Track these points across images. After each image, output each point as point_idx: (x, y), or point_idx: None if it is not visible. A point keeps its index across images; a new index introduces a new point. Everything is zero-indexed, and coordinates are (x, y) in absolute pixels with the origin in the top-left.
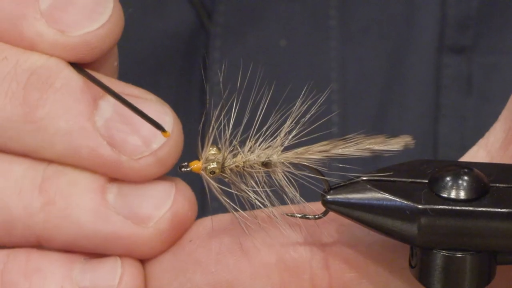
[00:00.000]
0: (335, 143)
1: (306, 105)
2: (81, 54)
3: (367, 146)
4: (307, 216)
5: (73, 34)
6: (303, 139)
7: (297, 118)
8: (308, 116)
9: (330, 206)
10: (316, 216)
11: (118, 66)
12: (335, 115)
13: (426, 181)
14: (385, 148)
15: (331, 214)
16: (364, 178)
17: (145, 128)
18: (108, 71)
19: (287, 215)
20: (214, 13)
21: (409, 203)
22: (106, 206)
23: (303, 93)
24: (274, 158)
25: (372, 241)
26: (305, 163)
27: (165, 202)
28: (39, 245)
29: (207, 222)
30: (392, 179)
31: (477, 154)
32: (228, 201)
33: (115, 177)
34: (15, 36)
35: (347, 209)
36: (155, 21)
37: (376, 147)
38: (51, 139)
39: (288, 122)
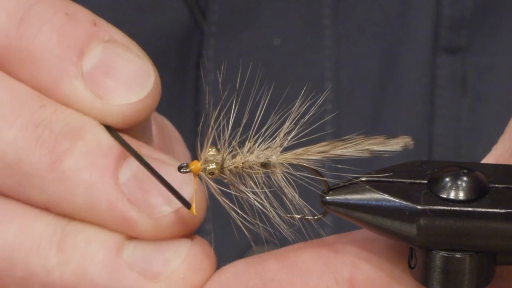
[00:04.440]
0: (334, 143)
1: (304, 106)
2: (114, 122)
3: (366, 147)
4: (306, 217)
5: (110, 102)
6: (302, 140)
7: (296, 119)
8: (306, 116)
9: (329, 206)
10: (316, 217)
11: (151, 130)
12: (329, 113)
13: (425, 181)
14: (384, 148)
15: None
16: (363, 179)
17: (164, 193)
18: (140, 136)
19: (286, 216)
20: (208, 11)
21: (408, 203)
22: (120, 263)
23: (302, 94)
24: (273, 159)
25: (395, 261)
26: (304, 164)
27: (178, 257)
28: None
29: (230, 268)
30: (391, 179)
31: None
32: (227, 202)
33: (132, 235)
34: (53, 91)
35: (346, 210)
36: (149, 20)
37: (375, 148)
38: (73, 190)
39: (287, 123)
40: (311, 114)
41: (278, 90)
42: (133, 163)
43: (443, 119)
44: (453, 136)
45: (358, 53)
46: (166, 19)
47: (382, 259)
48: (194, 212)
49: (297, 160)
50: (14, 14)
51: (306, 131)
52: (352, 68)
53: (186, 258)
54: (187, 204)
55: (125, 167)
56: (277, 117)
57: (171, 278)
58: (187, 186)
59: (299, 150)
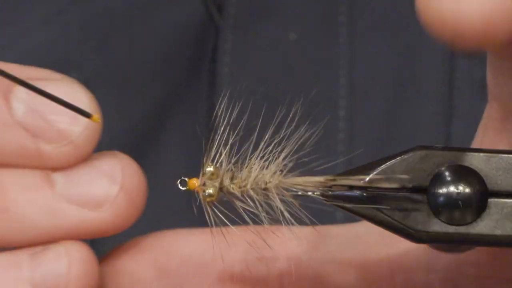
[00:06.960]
0: (336, 177)
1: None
2: None
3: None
4: (308, 193)
5: None
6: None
7: (302, 135)
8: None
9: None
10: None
11: None
12: (343, 110)
13: (425, 192)
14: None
15: None
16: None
17: (65, 112)
18: None
19: (289, 199)
20: (225, 4)
21: (405, 227)
22: (58, 199)
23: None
24: (271, 185)
25: None
26: (302, 194)
27: (114, 180)
28: None
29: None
30: (388, 187)
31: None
32: (226, 221)
33: (49, 167)
34: None
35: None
36: (163, 14)
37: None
38: None
39: (287, 146)
40: (322, 107)
41: (291, 85)
42: (21, 93)
43: (461, 120)
44: (471, 137)
45: (374, 52)
46: (181, 13)
47: None
48: (98, 120)
49: (296, 187)
50: None
51: (320, 127)
52: (368, 67)
53: (123, 178)
54: (87, 114)
55: (15, 101)
56: (282, 127)
57: (115, 201)
58: (81, 95)
59: (299, 179)
